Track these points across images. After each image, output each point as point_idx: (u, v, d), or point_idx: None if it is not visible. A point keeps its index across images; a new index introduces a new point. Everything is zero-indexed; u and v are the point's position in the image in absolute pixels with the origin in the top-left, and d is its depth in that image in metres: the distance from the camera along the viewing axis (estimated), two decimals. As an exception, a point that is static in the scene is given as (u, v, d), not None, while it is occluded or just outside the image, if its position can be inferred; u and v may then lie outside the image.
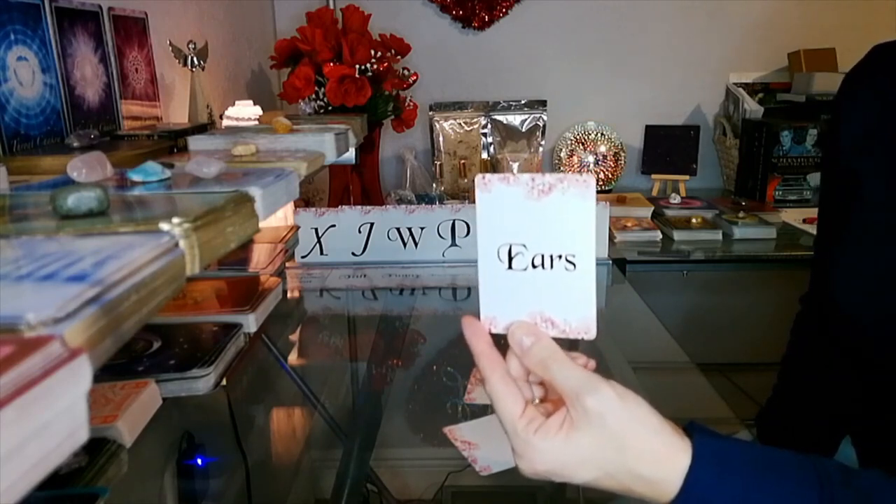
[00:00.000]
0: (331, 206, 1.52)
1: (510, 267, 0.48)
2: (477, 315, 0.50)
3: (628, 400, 0.46)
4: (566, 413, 0.47)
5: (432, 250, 1.47)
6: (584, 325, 0.48)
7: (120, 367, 0.82)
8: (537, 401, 0.50)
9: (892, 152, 0.70)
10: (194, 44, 1.36)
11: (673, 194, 1.96)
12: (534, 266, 0.47)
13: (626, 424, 0.46)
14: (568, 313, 0.48)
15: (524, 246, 0.47)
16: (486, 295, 0.49)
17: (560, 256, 0.47)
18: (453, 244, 1.47)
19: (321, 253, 1.48)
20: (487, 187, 0.47)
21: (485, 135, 2.10)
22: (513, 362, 0.49)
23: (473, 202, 0.49)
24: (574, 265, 0.47)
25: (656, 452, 0.46)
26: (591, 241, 0.46)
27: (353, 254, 1.48)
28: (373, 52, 1.64)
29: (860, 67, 0.78)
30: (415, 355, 1.25)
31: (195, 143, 0.89)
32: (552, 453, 0.46)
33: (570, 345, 0.48)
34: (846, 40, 2.07)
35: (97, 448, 0.67)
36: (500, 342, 0.50)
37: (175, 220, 0.42)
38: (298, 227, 1.45)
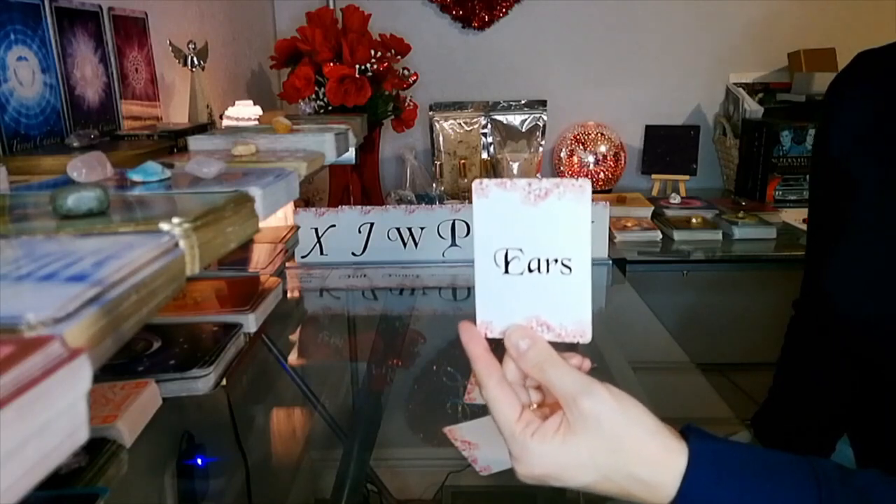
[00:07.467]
0: (331, 206, 1.52)
1: (506, 271, 0.48)
2: (473, 320, 0.50)
3: (624, 402, 0.46)
4: (562, 416, 0.47)
5: (432, 250, 1.47)
6: (580, 328, 0.48)
7: (120, 367, 0.82)
8: (535, 406, 0.50)
9: (885, 155, 0.71)
10: (194, 44, 1.36)
11: (673, 194, 1.96)
12: (530, 270, 0.47)
13: (623, 426, 0.46)
14: (563, 317, 0.48)
15: (520, 250, 0.47)
16: (483, 300, 0.49)
17: (556, 260, 0.47)
18: (453, 244, 1.47)
19: (321, 253, 1.48)
20: (484, 192, 0.47)
21: (485, 135, 2.10)
22: (509, 367, 0.49)
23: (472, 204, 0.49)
24: (570, 269, 0.47)
25: (653, 454, 0.46)
26: (587, 245, 0.46)
27: (353, 254, 1.48)
28: (373, 52, 1.64)
29: (847, 73, 0.79)
30: (415, 355, 1.25)
31: (195, 143, 0.89)
32: (549, 457, 0.46)
33: (568, 345, 0.48)
34: (846, 40, 2.07)
35: (97, 448, 0.67)
36: (499, 349, 0.50)
37: (175, 220, 0.42)
38: (298, 227, 1.45)
